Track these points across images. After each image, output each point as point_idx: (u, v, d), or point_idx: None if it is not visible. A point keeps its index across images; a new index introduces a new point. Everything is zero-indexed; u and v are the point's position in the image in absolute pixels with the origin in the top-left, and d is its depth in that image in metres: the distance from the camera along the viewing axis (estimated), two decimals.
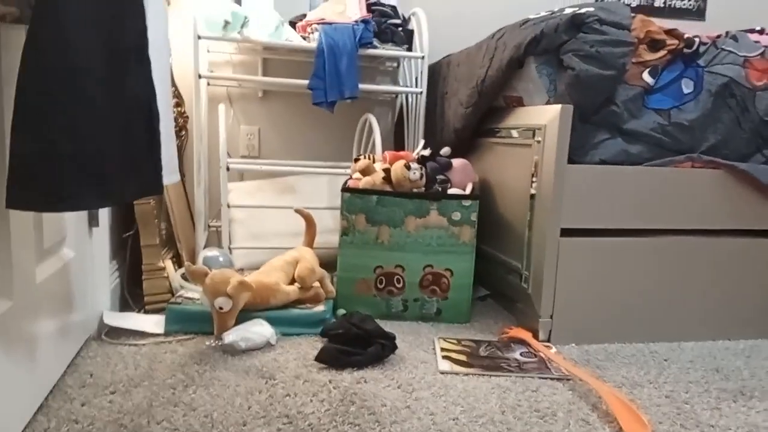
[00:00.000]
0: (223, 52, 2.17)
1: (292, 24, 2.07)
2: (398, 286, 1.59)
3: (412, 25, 2.12)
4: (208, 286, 1.34)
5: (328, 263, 1.72)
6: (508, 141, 1.66)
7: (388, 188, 1.60)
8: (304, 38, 1.99)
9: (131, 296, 1.63)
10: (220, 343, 1.32)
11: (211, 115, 2.11)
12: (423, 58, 1.99)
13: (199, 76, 1.85)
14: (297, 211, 1.69)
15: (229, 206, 1.89)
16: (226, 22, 1.83)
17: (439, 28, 2.20)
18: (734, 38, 1.58)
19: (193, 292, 1.52)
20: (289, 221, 1.85)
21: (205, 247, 1.91)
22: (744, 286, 1.55)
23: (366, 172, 1.64)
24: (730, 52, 1.53)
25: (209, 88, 2.15)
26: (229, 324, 1.35)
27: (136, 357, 1.28)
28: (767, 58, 1.54)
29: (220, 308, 1.33)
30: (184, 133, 2.06)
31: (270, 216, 1.95)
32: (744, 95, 1.50)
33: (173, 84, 2.01)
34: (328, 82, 1.91)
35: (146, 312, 1.55)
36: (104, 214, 1.48)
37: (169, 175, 1.26)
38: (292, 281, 1.54)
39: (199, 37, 1.82)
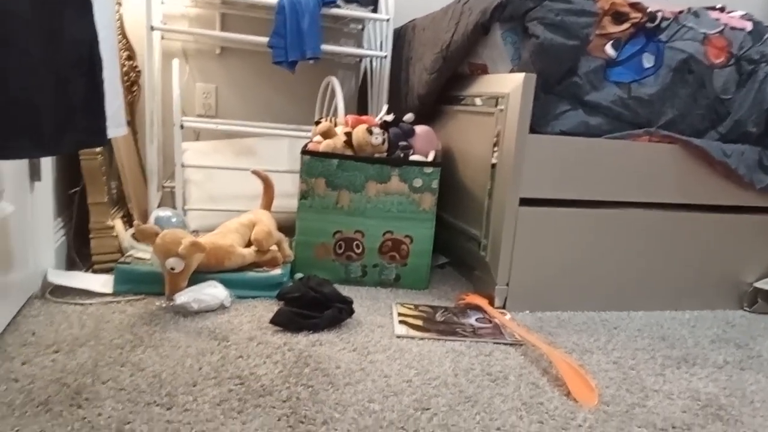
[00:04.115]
0: (178, 4, 2.05)
1: None
2: (357, 251, 1.58)
3: None
4: (159, 247, 1.29)
5: (286, 227, 1.68)
6: (472, 109, 1.65)
7: (349, 152, 1.57)
8: None
9: (78, 255, 1.56)
10: (171, 304, 1.28)
11: (165, 70, 2.02)
12: (388, 20, 1.94)
13: (152, 28, 1.75)
14: (254, 172, 1.64)
15: (183, 166, 1.82)
16: None
17: None
18: (695, 14, 1.60)
19: (143, 253, 1.46)
20: (246, 184, 1.80)
21: (158, 207, 1.84)
22: (692, 260, 1.61)
23: (327, 135, 1.61)
24: (691, 28, 1.55)
25: (163, 43, 2.05)
26: (181, 285, 1.31)
27: (82, 317, 1.23)
28: (725, 36, 1.57)
29: (172, 269, 1.29)
30: (136, 88, 1.96)
31: (227, 178, 1.89)
32: (702, 72, 1.52)
33: (124, 36, 1.90)
34: (289, 41, 1.84)
35: (94, 272, 1.49)
36: (47, 168, 1.40)
37: (115, 128, 1.20)
38: (249, 244, 1.50)
39: None
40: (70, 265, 1.54)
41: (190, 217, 1.82)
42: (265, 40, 1.83)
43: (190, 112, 2.16)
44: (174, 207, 1.83)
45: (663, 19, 1.55)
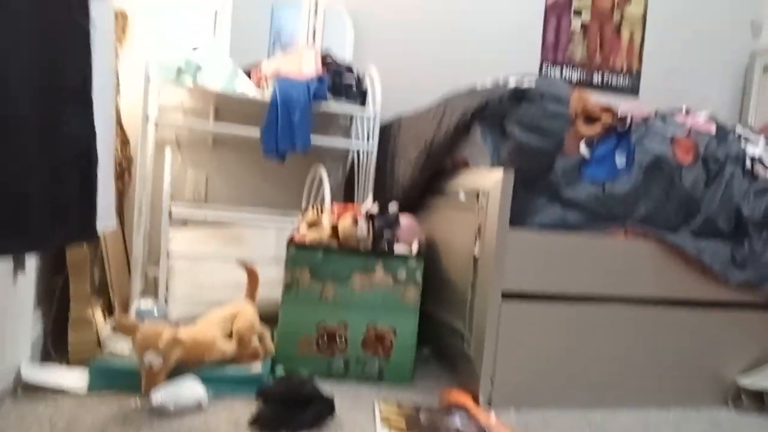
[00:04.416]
0: (175, 97, 2.14)
1: (248, 72, 2.09)
2: (340, 344, 1.57)
3: (366, 83, 2.17)
4: (139, 342, 1.27)
5: (270, 317, 1.67)
6: (454, 202, 1.70)
7: (334, 243, 1.59)
8: (259, 88, 2.01)
9: (56, 346, 1.53)
10: (147, 404, 1.25)
11: (157, 158, 2.07)
12: (375, 116, 2.03)
13: (147, 119, 1.82)
14: (240, 262, 1.65)
15: (169, 254, 1.83)
16: (180, 69, 1.83)
17: (393, 86, 2.25)
18: (662, 119, 1.71)
19: (122, 346, 1.44)
20: (232, 272, 1.79)
21: (140, 296, 1.82)
22: (674, 355, 1.61)
23: (314, 225, 1.64)
24: (659, 131, 1.64)
25: (158, 132, 2.12)
26: (158, 382, 1.28)
27: (54, 417, 1.18)
28: (692, 138, 1.66)
29: (150, 365, 1.26)
30: (127, 176, 2.00)
31: (212, 266, 1.90)
32: (671, 170, 1.60)
33: (120, 124, 1.97)
34: (280, 134, 1.92)
35: (69, 364, 1.45)
36: (31, 257, 1.40)
37: (105, 221, 1.21)
38: (231, 336, 1.48)
39: (150, 81, 1.80)
40: (46, 356, 1.51)
41: (173, 306, 1.81)
42: (256, 132, 1.90)
43: (179, 197, 2.20)
44: (156, 295, 1.81)
45: (632, 122, 1.65)
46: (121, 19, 1.97)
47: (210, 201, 2.25)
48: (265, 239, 2.03)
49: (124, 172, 1.98)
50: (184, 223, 2.14)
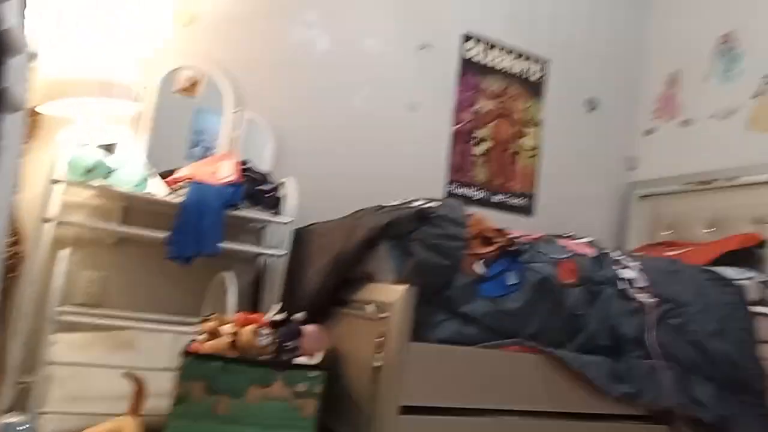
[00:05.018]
0: (81, 194, 2.09)
1: (165, 176, 2.09)
2: None
3: (282, 192, 2.24)
4: None
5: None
6: (360, 313, 1.73)
7: (233, 354, 1.55)
8: (172, 192, 2.01)
9: None
10: None
11: (53, 257, 1.96)
12: (287, 223, 2.08)
13: (45, 220, 1.75)
14: (126, 375, 1.55)
15: (48, 361, 1.68)
16: (89, 169, 1.81)
17: (310, 196, 2.31)
18: (548, 241, 1.90)
19: None
20: (117, 382, 1.67)
21: (10, 408, 1.64)
22: None
23: (213, 334, 1.59)
24: (545, 253, 1.81)
25: (57, 229, 2.03)
26: None
27: None
28: (575, 260, 1.84)
29: None
30: (13, 275, 1.87)
31: (97, 375, 1.76)
32: (556, 291, 1.74)
33: (14, 221, 1.88)
34: (189, 238, 1.91)
35: None
36: None
37: None
38: None
39: (55, 182, 1.76)
40: None
41: (46, 420, 1.63)
42: (163, 235, 1.88)
43: (70, 300, 2.06)
44: (28, 408, 1.64)
45: (523, 244, 1.81)
46: (32, 116, 1.95)
47: (106, 304, 2.12)
48: (160, 345, 1.92)
49: (10, 270, 1.85)
50: (72, 328, 2.01)
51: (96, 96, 1.93)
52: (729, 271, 2.27)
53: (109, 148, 1.95)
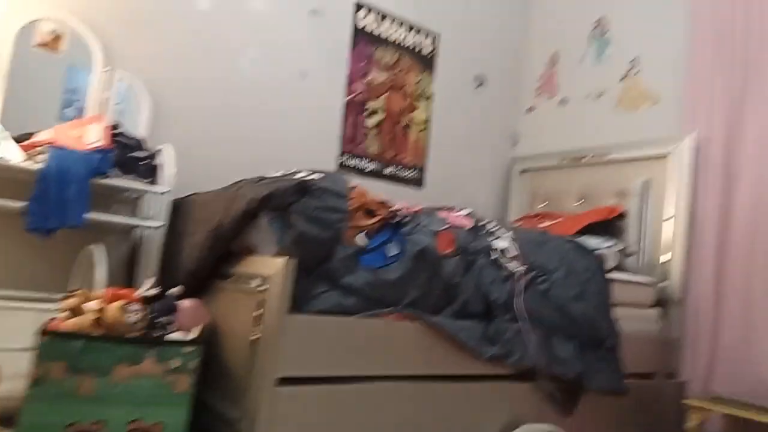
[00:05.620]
0: None
1: (23, 139, 1.89)
2: None
3: (160, 160, 2.11)
4: None
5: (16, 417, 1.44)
6: (240, 287, 1.70)
7: (97, 332, 1.46)
8: (29, 158, 1.83)
9: None
10: None
11: None
12: (164, 194, 1.98)
13: None
14: None
15: None
16: None
17: (190, 165, 2.20)
18: (429, 214, 1.96)
19: None
20: None
21: None
22: (441, 424, 1.75)
23: (76, 311, 1.49)
24: (426, 225, 1.87)
25: None
26: None
27: None
28: (452, 231, 1.92)
29: None
30: None
31: None
32: (434, 260, 1.82)
33: None
34: (51, 209, 1.75)
35: None
36: None
37: None
38: None
39: None
40: None
41: None
42: (20, 204, 1.71)
43: None
44: None
45: (404, 216, 1.86)
46: None
47: None
48: (19, 324, 1.76)
49: None
50: None
51: None
52: (591, 241, 2.51)
53: None
